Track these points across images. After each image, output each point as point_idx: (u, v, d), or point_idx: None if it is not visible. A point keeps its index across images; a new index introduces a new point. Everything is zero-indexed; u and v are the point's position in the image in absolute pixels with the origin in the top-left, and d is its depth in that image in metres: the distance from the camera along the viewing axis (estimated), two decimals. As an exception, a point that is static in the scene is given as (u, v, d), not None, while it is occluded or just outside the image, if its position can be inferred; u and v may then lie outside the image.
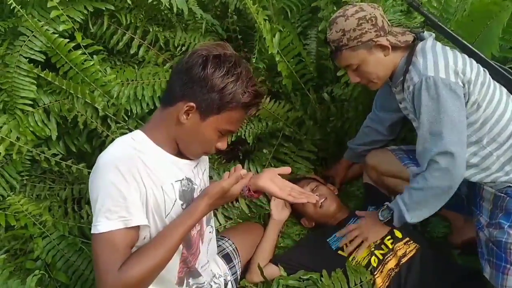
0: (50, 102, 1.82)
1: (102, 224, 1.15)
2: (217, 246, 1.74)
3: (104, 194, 1.16)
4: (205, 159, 1.49)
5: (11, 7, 1.70)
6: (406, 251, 1.66)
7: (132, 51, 2.02)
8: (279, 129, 2.13)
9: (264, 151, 2.17)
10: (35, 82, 1.77)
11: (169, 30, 2.12)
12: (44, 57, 1.78)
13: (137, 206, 1.20)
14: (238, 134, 2.03)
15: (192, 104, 1.23)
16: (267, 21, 2.01)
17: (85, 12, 1.82)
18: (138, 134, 1.30)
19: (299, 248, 1.90)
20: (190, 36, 2.13)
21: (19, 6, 1.68)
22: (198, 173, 1.42)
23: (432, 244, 1.78)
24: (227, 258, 1.75)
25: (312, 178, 2.09)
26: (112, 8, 1.88)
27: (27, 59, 1.75)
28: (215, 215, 2.01)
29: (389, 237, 1.71)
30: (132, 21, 1.99)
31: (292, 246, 1.96)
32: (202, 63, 1.22)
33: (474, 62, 1.55)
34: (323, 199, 1.92)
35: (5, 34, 1.85)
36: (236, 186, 1.30)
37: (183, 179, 1.34)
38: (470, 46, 1.59)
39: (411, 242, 1.69)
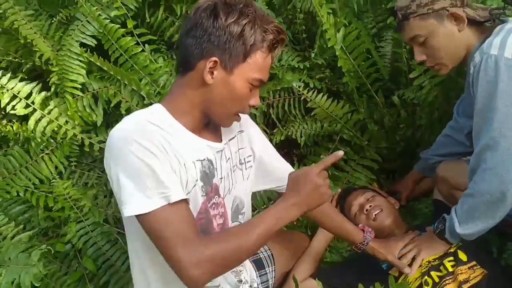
0: (99, 88, 1.82)
1: (145, 204, 1.03)
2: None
3: (132, 172, 1.03)
4: (230, 147, 1.33)
5: (72, -5, 1.77)
6: (469, 276, 1.34)
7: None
8: (336, 132, 1.92)
9: (322, 156, 1.96)
10: (85, 66, 1.78)
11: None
12: (96, 42, 1.79)
13: (172, 179, 1.07)
14: (289, 133, 1.87)
15: (214, 58, 1.10)
16: (331, 14, 1.85)
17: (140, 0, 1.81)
18: (157, 108, 1.18)
19: (345, 265, 1.66)
20: (249, 32, 2.04)
21: (77, -8, 1.73)
22: (221, 158, 1.26)
23: (506, 272, 1.43)
24: (258, 264, 1.55)
25: (370, 189, 1.84)
26: (168, -2, 1.86)
27: (78, 43, 1.77)
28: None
29: (451, 258, 1.41)
30: (189, 13, 1.94)
31: (339, 262, 1.72)
32: (212, 13, 1.08)
33: None
34: (378, 211, 1.66)
35: (67, 22, 1.91)
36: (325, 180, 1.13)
37: (204, 159, 1.19)
38: None
39: (478, 267, 1.37)
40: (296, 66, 1.92)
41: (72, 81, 1.78)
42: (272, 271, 1.59)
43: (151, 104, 1.78)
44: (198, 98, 1.16)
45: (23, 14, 1.83)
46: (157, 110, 1.16)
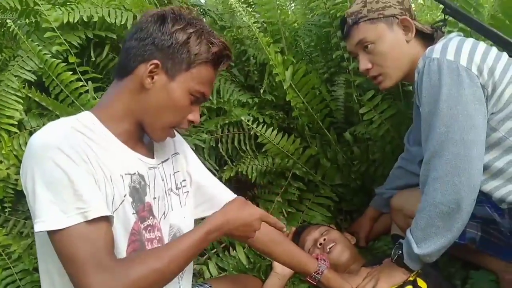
0: (37, 126, 1.73)
1: (58, 219, 0.91)
2: (191, 291, 1.41)
3: (50, 181, 0.92)
4: (164, 168, 1.22)
5: (14, 34, 1.73)
6: (429, 303, 1.23)
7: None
8: (288, 168, 1.84)
9: (277, 198, 1.86)
10: (22, 102, 1.71)
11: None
12: (35, 78, 1.73)
13: (93, 192, 0.96)
14: (240, 169, 1.78)
15: (156, 61, 1.05)
16: (278, 53, 1.85)
17: (84, 37, 1.78)
18: (85, 115, 1.08)
19: (299, 305, 1.52)
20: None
21: (17, 28, 1.69)
22: (155, 176, 1.15)
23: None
24: (199, 304, 1.40)
25: (325, 225, 1.74)
26: (114, 37, 1.84)
27: (17, 78, 1.71)
28: (206, 264, 1.71)
29: (410, 287, 1.30)
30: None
31: (293, 304, 1.57)
32: (159, 19, 1.06)
33: (505, 55, 1.25)
34: (332, 244, 1.56)
35: (9, 61, 1.85)
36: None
37: (134, 173, 1.09)
38: (503, 36, 1.30)
39: (438, 294, 1.26)
40: (245, 101, 1.88)
41: (8, 117, 1.69)
42: (216, 314, 1.43)
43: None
44: (133, 104, 1.08)
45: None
46: (85, 117, 1.06)
